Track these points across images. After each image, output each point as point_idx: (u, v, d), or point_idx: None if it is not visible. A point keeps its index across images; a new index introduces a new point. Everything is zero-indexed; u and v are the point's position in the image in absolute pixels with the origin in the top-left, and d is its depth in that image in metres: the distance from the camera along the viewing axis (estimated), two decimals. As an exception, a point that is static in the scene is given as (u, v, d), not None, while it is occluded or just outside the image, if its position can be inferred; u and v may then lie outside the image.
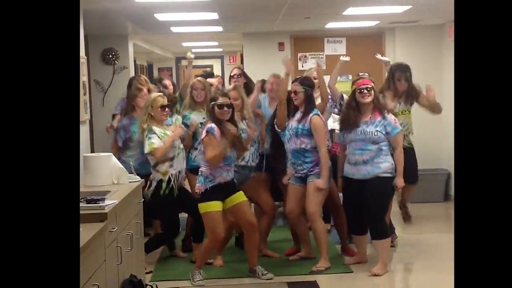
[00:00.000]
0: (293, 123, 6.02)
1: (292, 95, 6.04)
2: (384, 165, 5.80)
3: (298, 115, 6.03)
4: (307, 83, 6.08)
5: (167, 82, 7.67)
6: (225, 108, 5.63)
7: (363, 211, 5.81)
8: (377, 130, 5.79)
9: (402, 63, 6.87)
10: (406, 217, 6.99)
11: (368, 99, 5.84)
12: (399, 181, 5.88)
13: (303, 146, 5.94)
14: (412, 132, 6.83)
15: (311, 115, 5.94)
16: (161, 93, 6.28)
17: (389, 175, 5.83)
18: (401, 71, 6.70)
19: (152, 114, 5.95)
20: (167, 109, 6.04)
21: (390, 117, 5.87)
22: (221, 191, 5.67)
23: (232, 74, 7.21)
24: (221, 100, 5.66)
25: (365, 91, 5.84)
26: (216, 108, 5.63)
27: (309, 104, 6.00)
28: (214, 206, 5.63)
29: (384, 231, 5.92)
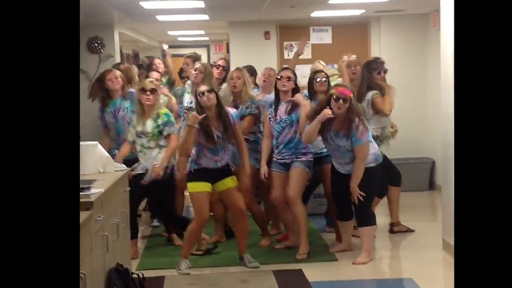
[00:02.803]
0: (281, 116, 6.03)
1: (284, 80, 6.00)
2: (367, 158, 5.80)
3: (284, 106, 6.03)
4: (295, 72, 6.17)
5: (154, 74, 7.69)
6: (207, 94, 5.62)
7: (351, 200, 5.85)
8: (347, 144, 5.72)
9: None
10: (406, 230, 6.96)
11: (340, 111, 5.64)
12: (352, 185, 5.79)
13: (297, 134, 5.99)
14: (388, 137, 6.61)
15: None
16: (152, 79, 6.39)
17: (373, 164, 5.85)
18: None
19: (139, 98, 6.12)
20: (148, 92, 6.09)
21: (358, 127, 5.65)
22: (207, 175, 5.72)
23: (216, 64, 7.27)
24: (201, 88, 5.70)
25: (341, 101, 5.62)
26: (198, 97, 5.67)
27: (295, 92, 6.05)
28: (199, 187, 5.69)
29: (370, 219, 5.97)
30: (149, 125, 6.11)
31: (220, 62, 7.29)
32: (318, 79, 6.32)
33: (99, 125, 7.15)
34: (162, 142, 6.13)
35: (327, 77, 6.41)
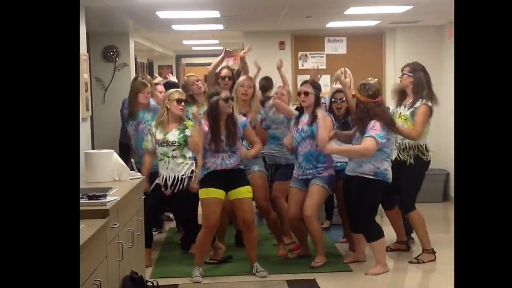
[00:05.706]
0: (303, 126, 6.04)
1: (302, 96, 6.02)
2: (367, 166, 5.71)
3: (306, 117, 6.05)
4: (317, 85, 6.15)
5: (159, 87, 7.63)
6: (230, 101, 5.74)
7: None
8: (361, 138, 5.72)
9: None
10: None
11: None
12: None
13: (318, 147, 5.95)
14: (410, 147, 6.23)
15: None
16: (179, 89, 6.40)
17: (371, 177, 5.72)
18: (407, 65, 6.38)
19: (169, 107, 6.07)
20: (183, 103, 6.10)
21: (371, 123, 5.63)
22: (217, 179, 5.72)
23: (222, 76, 7.10)
24: (226, 94, 5.75)
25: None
26: (221, 102, 5.68)
27: (317, 106, 6.05)
28: (210, 193, 5.72)
29: (374, 233, 5.89)
30: (174, 134, 6.05)
31: (225, 73, 7.11)
32: (335, 100, 6.43)
33: (123, 139, 7.20)
34: (186, 153, 6.10)
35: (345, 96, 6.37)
